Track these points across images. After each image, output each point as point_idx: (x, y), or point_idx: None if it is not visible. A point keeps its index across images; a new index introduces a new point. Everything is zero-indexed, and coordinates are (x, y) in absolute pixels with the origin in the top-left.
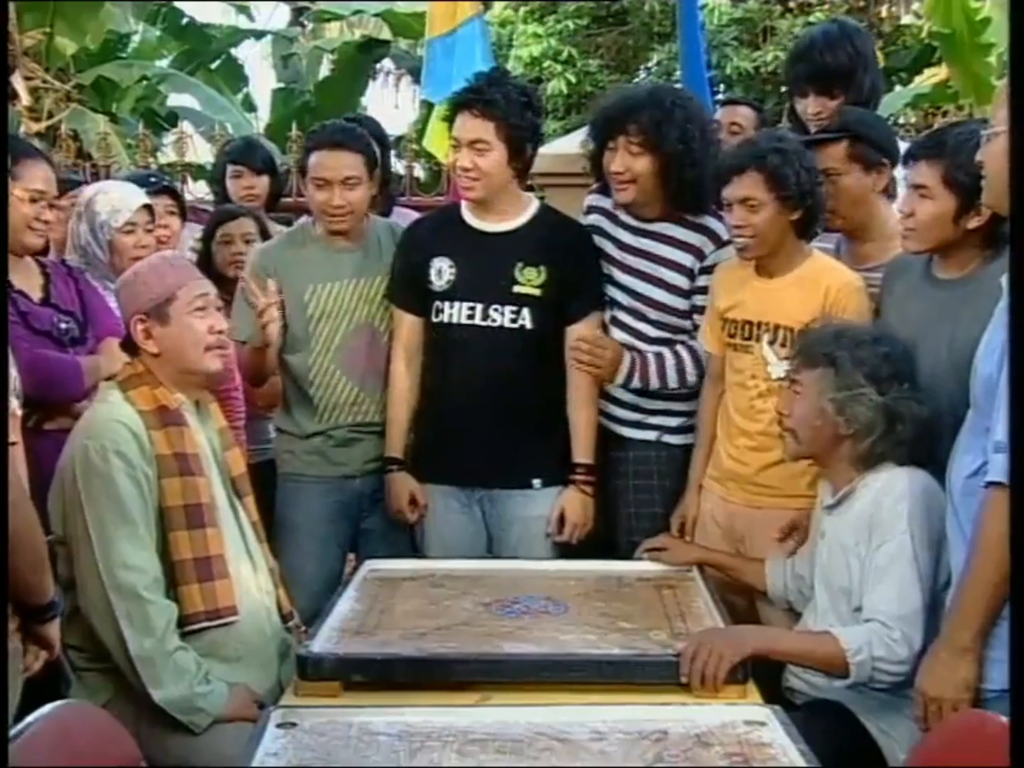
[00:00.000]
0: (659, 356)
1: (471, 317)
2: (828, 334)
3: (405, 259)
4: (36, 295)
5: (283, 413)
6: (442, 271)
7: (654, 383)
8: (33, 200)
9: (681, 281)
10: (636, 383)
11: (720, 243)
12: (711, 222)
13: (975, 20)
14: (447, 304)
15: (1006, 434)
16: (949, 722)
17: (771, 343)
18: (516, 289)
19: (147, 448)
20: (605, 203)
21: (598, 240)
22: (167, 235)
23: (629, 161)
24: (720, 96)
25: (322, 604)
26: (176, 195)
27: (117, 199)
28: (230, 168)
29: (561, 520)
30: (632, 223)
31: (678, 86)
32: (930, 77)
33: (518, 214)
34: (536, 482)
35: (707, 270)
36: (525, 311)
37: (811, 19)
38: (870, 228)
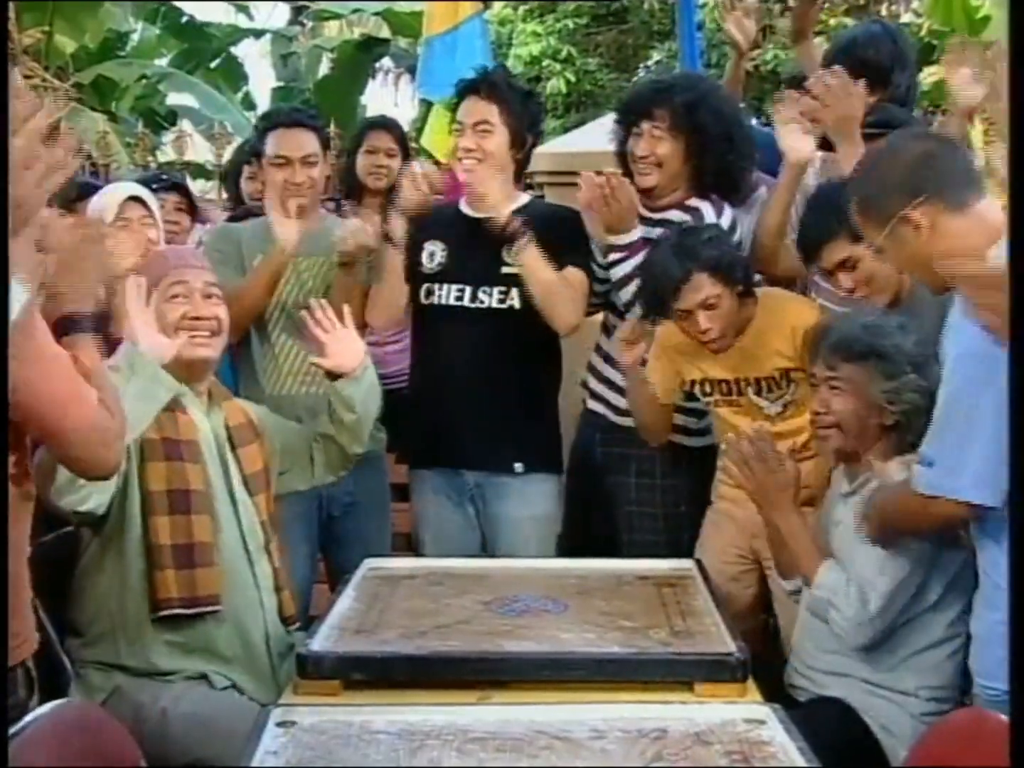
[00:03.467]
0: None
1: (460, 299)
2: (857, 327)
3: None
4: None
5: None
6: (434, 254)
7: None
8: None
9: None
10: None
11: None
12: (704, 205)
13: (975, 18)
14: (437, 286)
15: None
16: (949, 721)
17: (757, 393)
18: (505, 270)
19: None
20: None
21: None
22: (176, 231)
23: (654, 145)
24: None
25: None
26: (186, 192)
27: (106, 197)
28: (247, 169)
29: None
30: (643, 213)
31: None
32: (930, 76)
33: (510, 204)
34: (518, 466)
35: None
36: (514, 291)
37: None
38: None
